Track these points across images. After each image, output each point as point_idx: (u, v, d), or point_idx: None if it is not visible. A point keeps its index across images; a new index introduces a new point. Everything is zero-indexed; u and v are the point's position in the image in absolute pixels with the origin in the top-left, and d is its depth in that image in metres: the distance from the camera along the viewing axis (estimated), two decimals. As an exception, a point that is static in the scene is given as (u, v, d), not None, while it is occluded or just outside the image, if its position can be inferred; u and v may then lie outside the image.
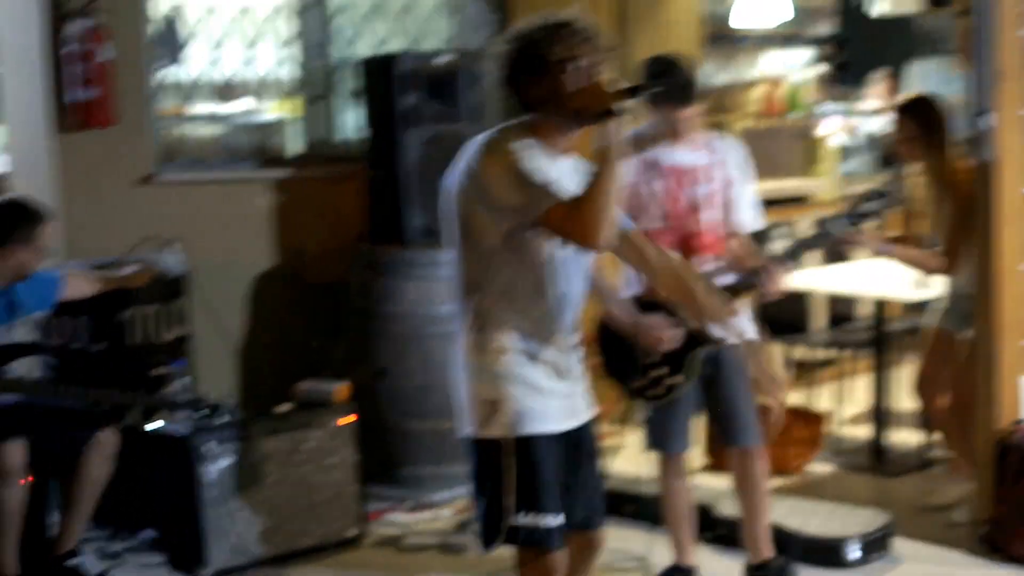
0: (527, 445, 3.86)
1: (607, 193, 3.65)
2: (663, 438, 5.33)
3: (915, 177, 6.24)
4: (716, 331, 5.07)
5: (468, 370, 3.91)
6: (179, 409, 5.50)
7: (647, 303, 5.03)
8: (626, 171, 3.89)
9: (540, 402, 3.87)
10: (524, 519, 3.85)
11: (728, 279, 5.09)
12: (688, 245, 5.14)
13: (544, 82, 3.77)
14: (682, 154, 5.16)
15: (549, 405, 3.89)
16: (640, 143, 5.16)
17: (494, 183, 3.73)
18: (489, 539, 3.91)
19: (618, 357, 5.18)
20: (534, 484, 3.86)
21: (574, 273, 3.94)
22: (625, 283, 5.13)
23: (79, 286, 5.74)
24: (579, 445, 4.01)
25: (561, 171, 3.82)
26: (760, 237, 5.65)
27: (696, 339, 5.12)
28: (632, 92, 3.72)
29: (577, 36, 3.77)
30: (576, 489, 4.01)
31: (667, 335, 4.99)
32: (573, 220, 3.67)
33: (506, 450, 3.85)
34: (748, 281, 5.06)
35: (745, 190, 5.29)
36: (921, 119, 6.13)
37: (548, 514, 3.87)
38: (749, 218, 5.32)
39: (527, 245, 3.80)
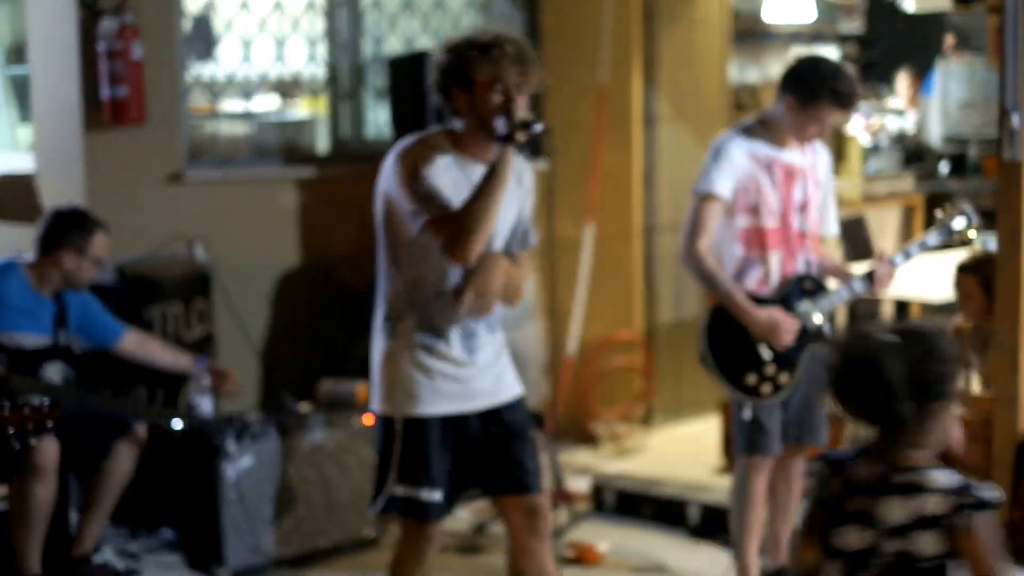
0: (414, 425, 4.16)
1: (484, 212, 3.98)
2: (764, 440, 5.21)
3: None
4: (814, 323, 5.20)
5: (377, 352, 4.26)
6: (202, 427, 5.57)
7: (753, 298, 5.10)
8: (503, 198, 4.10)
9: (431, 387, 4.17)
10: (402, 491, 4.18)
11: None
12: (796, 244, 5.18)
13: (468, 96, 4.08)
14: (791, 154, 5.19)
15: (442, 390, 4.18)
16: (766, 130, 5.17)
17: (398, 184, 4.06)
18: (375, 503, 4.24)
19: (732, 350, 5.14)
20: (415, 461, 4.16)
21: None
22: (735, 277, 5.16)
23: (139, 347, 5.79)
24: (502, 422, 4.26)
25: (470, 179, 4.09)
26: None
27: (807, 336, 5.15)
28: (528, 126, 4.00)
29: (505, 59, 4.06)
30: (505, 459, 4.25)
31: (792, 331, 5.07)
32: (447, 232, 3.99)
33: (395, 427, 4.17)
34: (865, 283, 5.25)
35: (829, 195, 5.35)
36: (982, 278, 6.21)
37: (424, 488, 4.18)
38: (833, 222, 5.40)
39: (432, 244, 4.06)
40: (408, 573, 4.30)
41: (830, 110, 5.05)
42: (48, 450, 5.28)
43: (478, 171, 4.10)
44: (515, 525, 4.30)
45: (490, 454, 4.25)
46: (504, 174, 3.99)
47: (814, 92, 5.01)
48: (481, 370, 4.23)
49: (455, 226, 3.97)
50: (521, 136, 4.00)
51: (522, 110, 4.05)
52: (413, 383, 4.16)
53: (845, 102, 5.05)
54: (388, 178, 4.11)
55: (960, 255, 7.63)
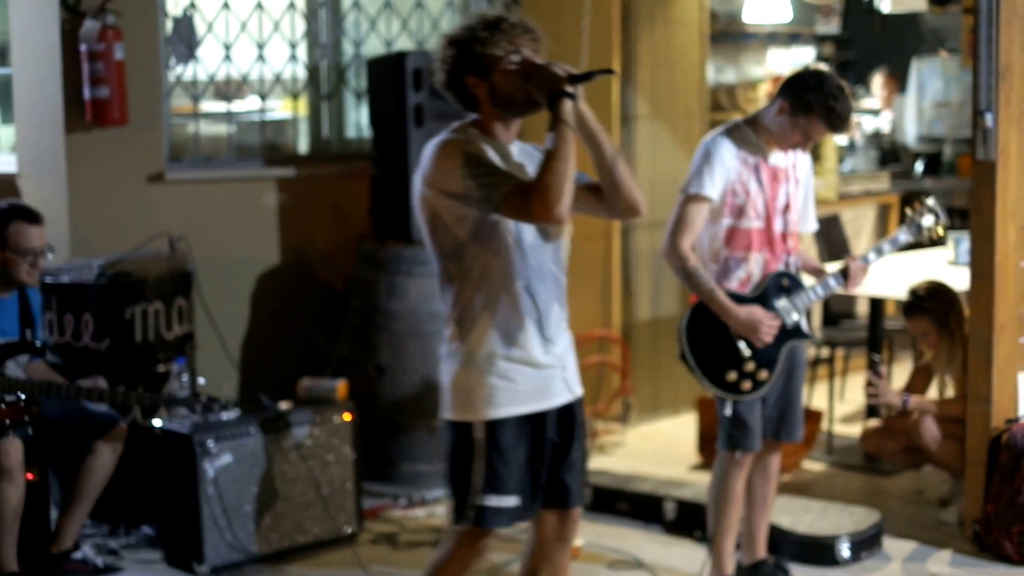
0: (495, 429, 4.02)
1: (563, 169, 3.82)
2: (746, 436, 5.27)
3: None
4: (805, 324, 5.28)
5: (448, 357, 4.10)
6: (178, 405, 5.54)
7: (732, 296, 5.15)
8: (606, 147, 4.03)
9: (511, 387, 4.02)
10: (490, 500, 4.03)
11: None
12: (779, 245, 5.24)
13: (488, 79, 3.96)
14: (776, 156, 5.23)
15: (520, 389, 4.04)
16: (755, 131, 5.22)
17: (449, 177, 3.90)
18: (459, 516, 4.09)
19: (712, 348, 5.17)
20: (500, 467, 4.03)
21: (545, 258, 4.07)
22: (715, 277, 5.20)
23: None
24: (563, 425, 4.14)
25: (510, 160, 4.00)
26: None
27: (786, 333, 5.22)
28: (586, 77, 3.92)
29: (515, 29, 3.97)
30: (560, 468, 4.15)
31: (772, 328, 5.13)
32: (531, 197, 3.82)
33: (476, 434, 4.03)
34: (839, 280, 5.30)
35: (810, 192, 5.41)
36: (931, 314, 6.32)
37: (511, 495, 4.05)
38: (813, 220, 5.46)
39: (492, 235, 3.96)
40: (458, 573, 4.18)
41: (818, 126, 5.08)
42: (11, 450, 5.27)
43: (512, 151, 4.02)
44: (545, 530, 4.23)
45: (553, 457, 4.14)
46: (571, 126, 3.86)
47: (810, 104, 5.04)
48: (559, 365, 4.11)
49: (541, 189, 3.79)
50: (573, 88, 3.88)
51: (555, 66, 3.91)
52: (493, 386, 4.00)
53: (836, 123, 5.09)
54: (433, 177, 3.93)
55: (933, 254, 7.73)
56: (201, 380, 6.04)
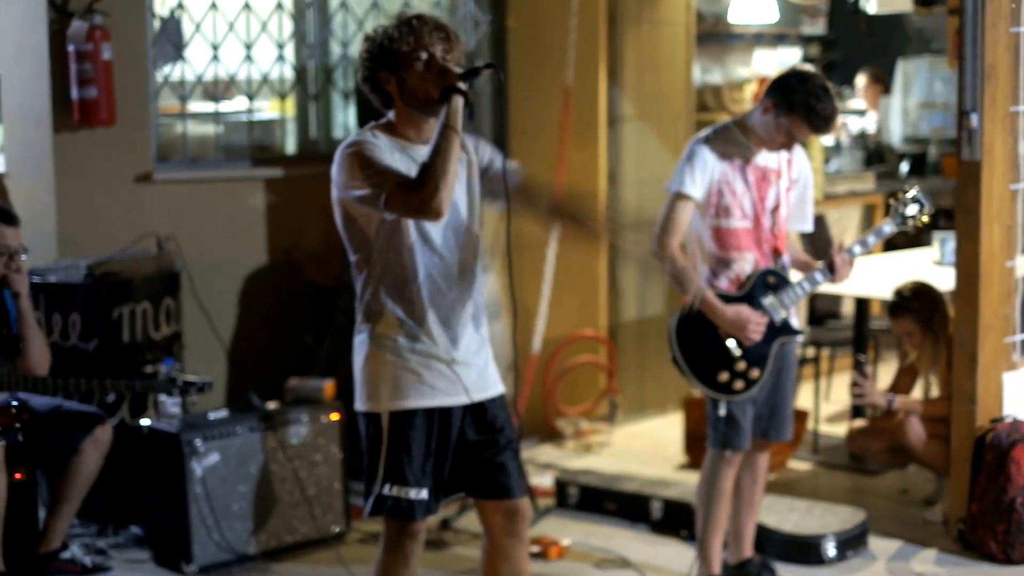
0: (399, 420, 4.11)
1: (445, 165, 3.89)
2: (738, 435, 5.29)
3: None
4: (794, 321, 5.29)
5: (358, 347, 4.19)
6: (168, 392, 5.51)
7: (720, 296, 5.17)
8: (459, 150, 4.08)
9: (416, 380, 4.11)
10: (390, 491, 4.12)
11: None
12: (769, 245, 5.26)
13: (397, 74, 4.06)
14: (765, 156, 5.25)
15: (427, 383, 4.12)
16: (743, 132, 5.24)
17: (350, 178, 4.00)
18: (371, 508, 4.16)
19: (703, 349, 5.20)
20: (402, 458, 4.11)
21: (457, 256, 4.14)
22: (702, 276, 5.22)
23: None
24: (481, 423, 4.20)
25: (418, 159, 4.02)
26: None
27: (775, 330, 5.23)
28: (473, 73, 4.00)
29: (426, 27, 4.05)
30: (488, 461, 4.20)
31: (760, 326, 5.15)
32: (413, 194, 3.89)
33: (381, 424, 4.12)
34: (826, 274, 5.29)
35: (806, 192, 5.42)
36: (915, 314, 6.34)
37: (412, 487, 4.12)
38: (810, 219, 5.48)
39: (395, 232, 4.06)
40: (394, 574, 4.23)
41: (801, 126, 5.10)
42: None
43: (422, 151, 4.04)
44: (493, 526, 4.25)
45: (473, 453, 4.20)
46: (456, 123, 3.93)
47: (792, 105, 5.07)
48: (465, 363, 4.17)
49: (420, 185, 3.88)
50: (464, 84, 3.96)
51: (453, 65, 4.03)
52: (398, 378, 4.09)
53: (818, 124, 5.10)
54: (339, 179, 4.06)
55: (918, 254, 7.76)
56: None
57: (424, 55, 4.02)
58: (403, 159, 4.03)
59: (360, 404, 4.19)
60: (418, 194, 3.87)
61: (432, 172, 3.87)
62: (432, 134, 4.01)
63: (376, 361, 4.12)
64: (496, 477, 4.21)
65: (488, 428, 4.21)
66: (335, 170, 4.07)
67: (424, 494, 4.14)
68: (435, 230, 4.08)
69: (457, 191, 4.10)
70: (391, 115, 4.14)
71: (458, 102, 3.96)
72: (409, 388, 4.10)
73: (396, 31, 4.06)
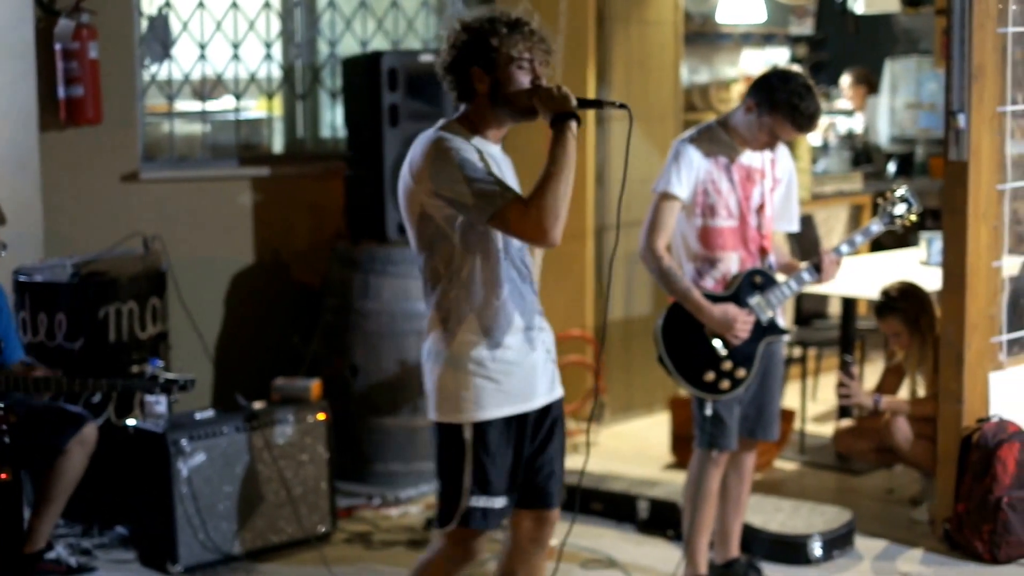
0: (483, 430, 4.01)
1: (563, 191, 3.80)
2: (724, 435, 5.29)
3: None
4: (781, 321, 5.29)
5: (434, 359, 4.05)
6: (150, 390, 5.48)
7: (706, 295, 5.17)
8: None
9: (498, 388, 4.00)
10: (477, 502, 4.02)
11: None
12: (755, 244, 5.26)
13: (494, 75, 3.92)
14: (749, 156, 5.26)
15: (506, 391, 4.01)
16: (727, 131, 5.24)
17: (442, 179, 3.85)
18: (445, 519, 4.06)
19: (689, 349, 5.20)
20: (488, 468, 4.01)
21: (527, 260, 4.08)
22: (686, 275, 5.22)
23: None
24: (544, 425, 4.13)
25: (496, 165, 3.95)
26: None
27: (762, 330, 5.23)
28: (595, 104, 3.96)
29: (533, 37, 3.92)
30: (539, 468, 4.14)
31: (746, 325, 5.15)
32: (527, 218, 3.79)
33: (464, 435, 4.01)
34: (812, 274, 5.28)
35: (791, 192, 5.42)
36: (903, 314, 6.34)
37: (497, 496, 4.04)
38: (795, 219, 5.47)
39: (482, 238, 3.94)
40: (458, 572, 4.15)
41: (783, 125, 5.10)
42: None
43: (495, 150, 3.98)
44: (521, 530, 4.20)
45: (532, 457, 4.13)
46: (573, 149, 3.84)
47: (775, 103, 5.07)
48: (541, 367, 4.10)
49: (538, 210, 3.76)
50: (578, 110, 3.87)
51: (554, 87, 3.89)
52: (480, 387, 3.98)
53: (801, 122, 5.10)
54: (429, 176, 3.87)
55: (906, 254, 7.77)
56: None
57: (525, 68, 3.92)
58: (488, 162, 3.91)
59: (437, 415, 4.07)
60: (537, 221, 3.78)
61: (553, 198, 3.78)
62: (502, 137, 3.97)
63: (456, 370, 4.00)
64: (543, 485, 4.16)
65: (547, 431, 4.14)
66: (421, 164, 3.89)
67: (505, 502, 4.08)
68: (513, 242, 4.00)
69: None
70: (465, 108, 4.00)
71: (574, 128, 3.86)
72: (491, 396, 4.00)
73: (505, 31, 3.91)
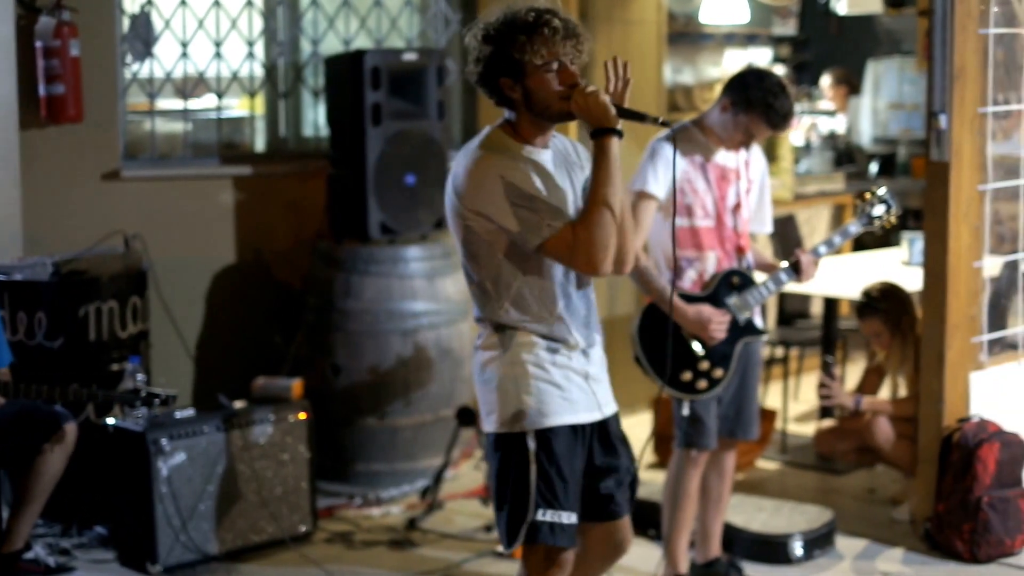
0: (547, 439, 3.84)
1: (608, 218, 3.68)
2: (703, 435, 5.28)
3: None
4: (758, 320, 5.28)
5: (486, 367, 3.92)
6: (131, 403, 5.47)
7: (684, 296, 5.18)
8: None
9: (562, 395, 3.87)
10: (543, 515, 3.84)
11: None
12: (731, 244, 5.27)
13: (522, 84, 3.78)
14: (724, 156, 5.26)
15: (568, 400, 3.88)
16: (702, 131, 5.24)
17: (487, 201, 3.74)
18: (512, 536, 3.88)
19: (665, 349, 5.16)
20: (553, 479, 3.84)
21: (581, 276, 3.93)
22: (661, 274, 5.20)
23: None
24: (607, 438, 4.01)
25: (546, 175, 3.81)
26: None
27: (739, 330, 5.23)
28: (636, 116, 3.76)
29: (557, 34, 3.73)
30: (606, 483, 4.01)
31: (722, 325, 5.14)
32: (577, 254, 3.70)
33: (528, 445, 3.84)
34: (790, 274, 5.28)
35: (765, 193, 5.42)
36: (883, 314, 6.36)
37: (565, 511, 3.86)
38: (768, 220, 5.48)
39: (530, 259, 3.82)
40: None
41: (758, 123, 5.12)
42: None
43: (545, 156, 3.83)
44: (593, 549, 4.08)
45: (595, 472, 3.98)
46: (616, 168, 3.69)
47: (750, 101, 5.08)
48: (597, 377, 3.98)
49: (585, 243, 3.66)
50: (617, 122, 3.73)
51: (591, 88, 3.72)
52: (542, 392, 3.84)
53: (775, 121, 5.11)
54: (471, 196, 3.76)
55: (887, 255, 7.78)
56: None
57: (554, 69, 3.73)
58: (537, 172, 3.79)
59: (494, 426, 3.90)
60: (587, 256, 3.69)
61: (599, 229, 3.67)
62: (550, 135, 3.85)
63: (516, 376, 3.85)
64: (610, 499, 4.02)
65: (611, 445, 4.01)
66: (464, 184, 3.77)
67: (575, 518, 3.88)
68: None
69: (572, 198, 3.88)
70: (510, 115, 3.87)
71: (616, 145, 3.71)
72: (554, 403, 3.85)
73: (524, 38, 3.72)
